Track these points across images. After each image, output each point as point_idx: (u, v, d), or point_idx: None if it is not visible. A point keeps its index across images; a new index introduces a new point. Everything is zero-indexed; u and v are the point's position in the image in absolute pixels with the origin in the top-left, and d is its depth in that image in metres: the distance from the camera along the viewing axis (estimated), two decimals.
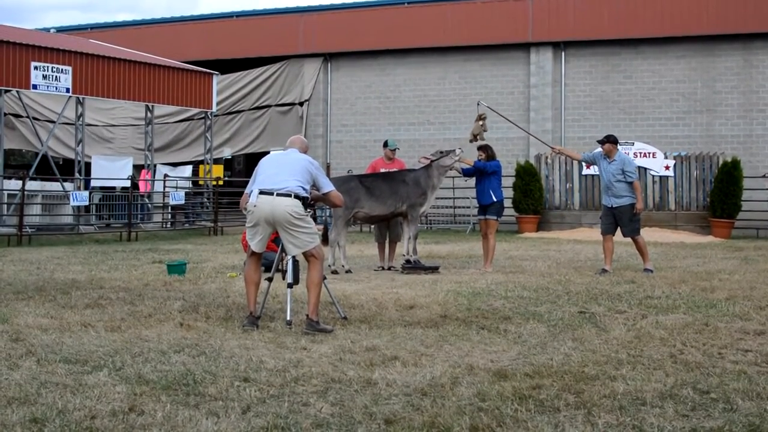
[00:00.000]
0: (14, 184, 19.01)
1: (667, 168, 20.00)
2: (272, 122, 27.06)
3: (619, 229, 10.90)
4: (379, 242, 11.70)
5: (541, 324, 6.64)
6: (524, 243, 16.61)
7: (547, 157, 21.19)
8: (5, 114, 21.32)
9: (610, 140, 10.90)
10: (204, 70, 23.14)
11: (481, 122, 11.70)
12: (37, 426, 3.90)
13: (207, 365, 5.11)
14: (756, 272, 10.59)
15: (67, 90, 19.33)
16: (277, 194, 6.37)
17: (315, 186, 6.74)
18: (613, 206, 10.79)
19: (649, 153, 20.18)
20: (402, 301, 7.76)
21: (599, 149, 11.18)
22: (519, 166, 20.78)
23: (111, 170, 21.63)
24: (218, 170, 24.68)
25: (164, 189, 21.59)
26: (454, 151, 11.24)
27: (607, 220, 10.93)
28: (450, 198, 22.08)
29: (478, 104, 12.13)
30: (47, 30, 28.16)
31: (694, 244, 16.35)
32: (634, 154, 20.08)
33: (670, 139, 23.31)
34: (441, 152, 11.25)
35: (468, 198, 20.68)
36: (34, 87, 18.83)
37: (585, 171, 20.55)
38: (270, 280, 6.93)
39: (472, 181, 11.64)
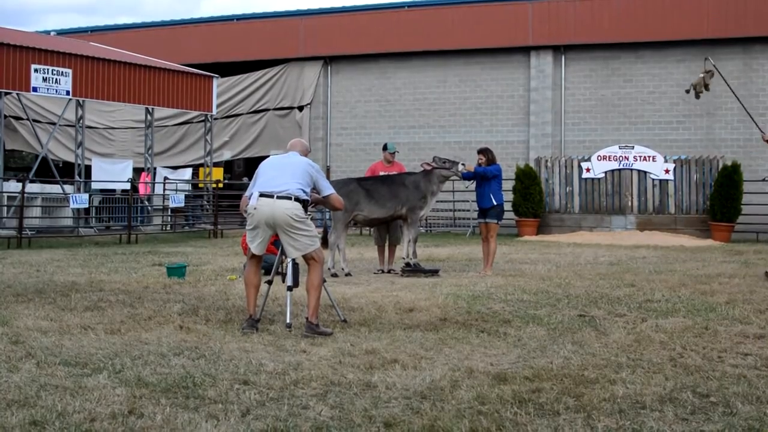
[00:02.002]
0: (14, 187, 19.05)
1: (667, 171, 19.98)
2: (270, 125, 27.05)
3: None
4: (378, 245, 11.68)
5: (540, 327, 6.64)
6: (524, 246, 16.60)
7: (547, 161, 21.18)
8: (5, 116, 21.33)
9: None
10: (204, 73, 23.18)
11: (702, 75, 11.09)
12: (37, 428, 3.90)
13: (206, 368, 5.11)
14: (756, 276, 10.57)
15: (67, 92, 19.35)
16: (278, 197, 6.37)
17: (315, 189, 6.75)
18: None
19: (649, 157, 20.18)
20: (402, 304, 7.75)
21: None
22: (519, 170, 20.75)
23: (111, 173, 21.65)
24: (218, 173, 24.69)
25: (164, 192, 21.61)
26: (457, 164, 11.07)
27: None
28: (450, 201, 22.07)
29: (706, 59, 11.58)
30: (48, 33, 28.18)
31: (693, 247, 16.34)
32: (634, 157, 20.10)
33: (670, 142, 23.30)
34: (444, 161, 11.13)
35: (468, 201, 20.68)
36: (35, 89, 18.85)
37: (585, 175, 20.54)
38: (270, 283, 6.93)
39: (472, 185, 11.62)
